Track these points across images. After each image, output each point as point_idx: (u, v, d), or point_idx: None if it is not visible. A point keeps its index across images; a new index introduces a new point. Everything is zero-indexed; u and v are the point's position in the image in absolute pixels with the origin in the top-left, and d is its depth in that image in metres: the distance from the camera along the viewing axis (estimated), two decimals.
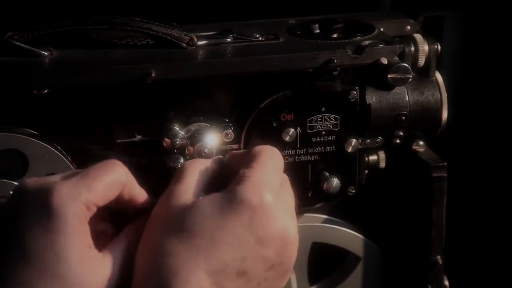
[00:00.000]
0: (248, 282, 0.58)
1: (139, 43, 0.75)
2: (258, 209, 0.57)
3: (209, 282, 0.57)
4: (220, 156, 0.65)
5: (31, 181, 0.59)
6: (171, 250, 0.57)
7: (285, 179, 0.63)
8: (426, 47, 0.79)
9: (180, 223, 0.57)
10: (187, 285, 0.56)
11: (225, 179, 0.61)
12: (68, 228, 0.57)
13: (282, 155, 0.75)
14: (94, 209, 0.59)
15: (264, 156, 0.61)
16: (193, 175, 0.61)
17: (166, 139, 0.73)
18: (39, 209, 0.57)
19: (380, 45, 0.75)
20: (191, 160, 0.63)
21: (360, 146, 0.78)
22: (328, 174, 0.77)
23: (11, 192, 0.60)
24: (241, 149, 0.75)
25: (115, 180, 0.60)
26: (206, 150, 0.72)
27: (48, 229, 0.56)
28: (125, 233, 0.61)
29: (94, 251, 0.58)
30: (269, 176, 0.59)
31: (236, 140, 0.74)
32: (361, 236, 0.84)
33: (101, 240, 0.60)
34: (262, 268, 0.58)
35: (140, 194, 0.63)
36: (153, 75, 0.69)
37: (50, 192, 0.57)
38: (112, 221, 0.63)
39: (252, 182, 0.58)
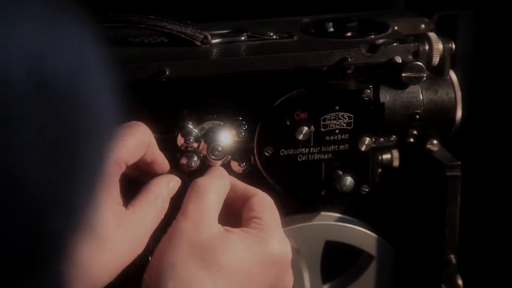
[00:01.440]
0: None
1: (153, 41, 0.75)
2: (286, 264, 0.64)
3: None
4: (232, 178, 0.68)
5: None
6: (202, 283, 0.59)
7: None
8: (441, 46, 0.79)
9: (214, 258, 0.60)
10: None
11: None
12: (105, 197, 0.60)
13: (296, 153, 0.75)
14: (124, 167, 0.62)
15: (270, 205, 0.66)
16: (216, 201, 0.64)
17: (180, 137, 0.73)
18: None
19: (394, 44, 0.75)
20: (209, 180, 0.65)
21: (373, 145, 0.78)
22: (341, 173, 0.77)
23: None
24: (254, 147, 0.75)
25: (142, 139, 0.64)
26: (219, 148, 0.72)
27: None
28: (149, 190, 0.64)
29: (123, 208, 0.61)
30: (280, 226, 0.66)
31: (249, 139, 0.75)
32: (374, 235, 0.84)
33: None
34: None
35: (160, 157, 0.67)
36: (167, 73, 0.69)
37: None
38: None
39: (276, 237, 0.64)
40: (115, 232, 0.60)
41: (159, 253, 0.61)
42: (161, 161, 0.67)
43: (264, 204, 0.66)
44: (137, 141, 0.63)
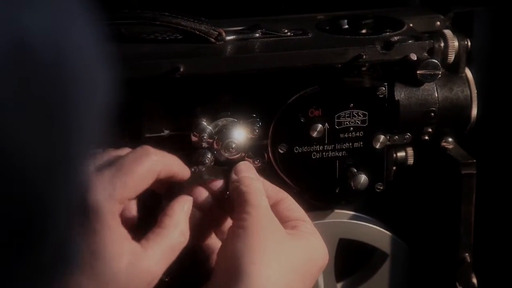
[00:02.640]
0: None
1: (167, 38, 0.75)
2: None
3: None
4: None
5: None
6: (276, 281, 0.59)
7: None
8: (456, 43, 0.78)
9: (286, 256, 0.61)
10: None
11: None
12: (104, 227, 0.57)
13: (310, 151, 0.75)
14: (127, 203, 0.60)
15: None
16: (267, 207, 0.63)
17: (194, 134, 0.73)
18: (79, 211, 0.57)
19: (410, 41, 0.75)
20: (255, 181, 0.65)
21: (388, 143, 0.77)
22: (355, 170, 0.76)
23: None
24: (268, 145, 0.75)
25: (149, 170, 0.60)
26: (233, 146, 0.72)
27: (88, 231, 0.56)
28: (164, 222, 0.61)
29: (132, 243, 0.58)
30: None
31: (263, 136, 0.74)
32: (388, 233, 0.84)
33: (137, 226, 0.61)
34: None
35: (179, 169, 0.64)
36: (181, 70, 0.69)
37: (86, 194, 0.57)
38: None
39: (322, 241, 0.65)
40: (119, 273, 0.57)
41: (228, 254, 0.61)
42: (181, 172, 0.64)
43: (299, 206, 0.66)
44: (143, 174, 0.60)
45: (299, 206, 0.66)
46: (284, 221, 0.65)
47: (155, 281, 0.59)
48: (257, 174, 0.67)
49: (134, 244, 0.58)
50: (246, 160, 0.74)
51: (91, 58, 0.37)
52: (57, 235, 0.35)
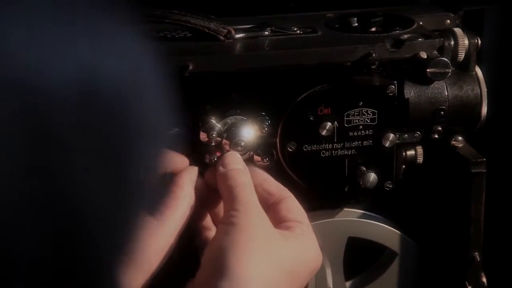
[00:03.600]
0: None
1: (176, 36, 0.75)
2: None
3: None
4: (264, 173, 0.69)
5: None
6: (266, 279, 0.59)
7: None
8: (466, 41, 0.78)
9: (275, 254, 0.61)
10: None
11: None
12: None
13: (319, 149, 0.75)
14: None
15: (303, 209, 0.67)
16: (256, 203, 0.64)
17: (203, 132, 0.73)
18: None
19: (419, 39, 0.74)
20: (245, 176, 0.65)
21: (397, 141, 0.77)
22: (365, 169, 0.76)
23: None
24: (277, 143, 0.75)
25: (183, 212, 0.65)
26: (242, 144, 0.72)
27: None
28: (176, 193, 0.64)
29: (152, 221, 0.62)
30: None
31: (272, 134, 0.74)
32: (398, 231, 0.84)
33: None
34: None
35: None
36: (190, 67, 0.69)
37: None
38: None
39: (317, 245, 0.65)
40: (155, 257, 0.61)
41: (215, 248, 0.61)
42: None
43: (300, 208, 0.66)
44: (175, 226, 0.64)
45: (299, 207, 0.66)
46: (281, 221, 0.65)
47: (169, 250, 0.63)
48: (245, 165, 0.67)
49: (154, 222, 0.62)
50: (256, 158, 0.74)
51: (155, 99, 0.37)
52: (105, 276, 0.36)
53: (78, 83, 0.32)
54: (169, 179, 0.66)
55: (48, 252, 0.32)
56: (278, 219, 0.65)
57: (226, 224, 0.61)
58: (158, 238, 0.62)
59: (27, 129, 0.30)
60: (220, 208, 0.67)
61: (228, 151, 0.72)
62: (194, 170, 0.67)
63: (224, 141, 0.72)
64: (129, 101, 0.34)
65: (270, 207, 0.66)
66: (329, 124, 0.74)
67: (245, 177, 0.65)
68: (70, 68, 0.32)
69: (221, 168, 0.66)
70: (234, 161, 0.67)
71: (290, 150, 0.75)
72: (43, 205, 0.31)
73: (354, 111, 0.75)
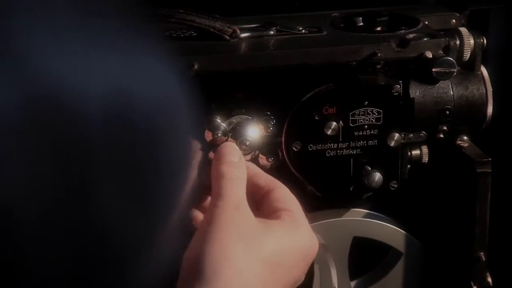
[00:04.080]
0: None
1: (182, 35, 0.75)
2: (313, 258, 0.63)
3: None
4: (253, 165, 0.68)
5: None
6: (251, 272, 0.57)
7: None
8: (472, 41, 0.78)
9: (258, 245, 0.59)
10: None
11: None
12: None
13: (324, 149, 0.75)
14: None
15: (294, 199, 0.65)
16: (240, 198, 0.62)
17: (208, 132, 0.73)
18: None
19: (425, 39, 0.74)
20: (237, 169, 0.64)
21: (403, 141, 0.77)
22: (370, 169, 0.76)
23: None
24: (283, 142, 0.75)
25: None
26: (247, 143, 0.72)
27: None
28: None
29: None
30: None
31: (277, 133, 0.74)
32: (403, 231, 0.84)
33: None
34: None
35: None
36: (195, 67, 0.69)
37: None
38: None
39: (309, 230, 0.63)
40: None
41: (197, 239, 0.58)
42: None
43: (290, 197, 0.65)
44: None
45: (290, 196, 0.64)
46: (271, 211, 0.63)
47: None
48: (241, 156, 0.66)
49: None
50: (261, 157, 0.74)
51: (183, 124, 0.37)
52: None
53: (109, 102, 0.32)
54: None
55: (70, 268, 0.32)
56: (268, 210, 0.63)
57: (205, 222, 0.59)
58: None
59: (58, 144, 0.30)
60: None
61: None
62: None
63: (229, 140, 0.72)
64: (157, 119, 0.34)
65: (261, 198, 0.65)
66: (334, 123, 0.74)
67: (237, 170, 0.63)
68: (102, 87, 0.32)
69: (214, 160, 0.65)
70: (229, 153, 0.65)
71: (295, 149, 0.75)
72: (70, 222, 0.31)
73: (360, 110, 0.75)
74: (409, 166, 0.80)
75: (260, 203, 0.65)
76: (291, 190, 0.66)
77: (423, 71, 0.75)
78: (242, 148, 0.72)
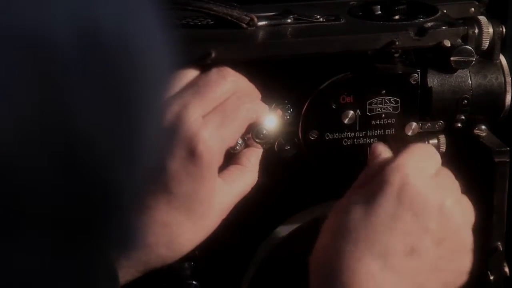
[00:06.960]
0: (420, 259, 0.62)
1: (199, 23, 0.75)
2: (402, 185, 0.64)
3: (378, 267, 0.58)
4: None
5: None
6: (336, 250, 0.62)
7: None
8: (491, 30, 0.77)
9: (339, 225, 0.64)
10: (355, 276, 0.58)
11: None
12: (213, 176, 0.63)
13: (341, 137, 0.75)
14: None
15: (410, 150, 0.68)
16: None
17: None
18: (186, 155, 0.61)
19: (443, 27, 0.74)
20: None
21: (420, 130, 0.77)
22: None
23: None
24: (299, 131, 0.75)
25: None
26: (264, 132, 0.72)
27: (194, 177, 0.61)
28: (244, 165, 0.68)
29: (219, 181, 0.65)
30: (413, 159, 0.67)
31: (294, 122, 0.74)
32: None
33: None
34: (429, 241, 0.63)
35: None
36: (213, 55, 0.69)
37: (197, 142, 0.61)
38: None
39: (392, 165, 0.65)
40: (212, 211, 0.63)
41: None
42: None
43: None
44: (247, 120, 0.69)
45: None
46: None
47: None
48: None
49: (220, 181, 0.65)
50: (277, 146, 0.74)
51: (157, 45, 0.38)
52: (124, 212, 0.36)
53: (79, 31, 0.32)
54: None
55: (58, 174, 0.32)
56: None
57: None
58: (219, 196, 0.64)
59: (32, 65, 0.31)
60: None
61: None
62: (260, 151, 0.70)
63: (246, 129, 0.72)
64: (129, 48, 0.35)
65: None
66: (351, 112, 0.74)
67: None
68: (71, 15, 0.32)
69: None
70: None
71: (312, 138, 0.75)
72: (52, 128, 0.32)
73: (377, 99, 0.75)
74: None
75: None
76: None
77: (441, 60, 0.75)
78: (259, 137, 0.72)
